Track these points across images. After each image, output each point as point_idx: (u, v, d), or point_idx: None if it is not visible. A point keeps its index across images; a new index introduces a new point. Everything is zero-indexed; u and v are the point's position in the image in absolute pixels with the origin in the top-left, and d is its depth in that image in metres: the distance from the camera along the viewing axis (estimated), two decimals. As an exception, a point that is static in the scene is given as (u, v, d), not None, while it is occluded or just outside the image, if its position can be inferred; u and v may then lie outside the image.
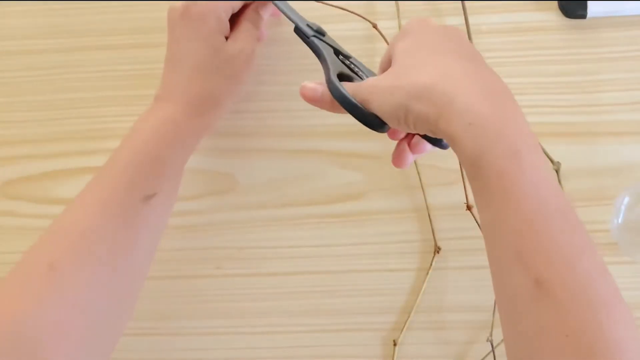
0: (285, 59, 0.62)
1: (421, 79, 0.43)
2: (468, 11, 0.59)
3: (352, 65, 0.54)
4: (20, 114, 0.65)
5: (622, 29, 0.60)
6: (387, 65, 0.49)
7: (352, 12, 0.61)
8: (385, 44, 0.61)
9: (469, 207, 0.61)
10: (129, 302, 0.52)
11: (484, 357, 0.63)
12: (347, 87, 0.49)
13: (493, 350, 0.62)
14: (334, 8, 0.61)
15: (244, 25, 0.56)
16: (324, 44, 0.54)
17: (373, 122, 0.48)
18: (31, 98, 0.65)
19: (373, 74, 0.53)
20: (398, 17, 0.60)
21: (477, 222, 0.60)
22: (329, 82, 0.50)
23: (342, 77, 0.51)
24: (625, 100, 0.60)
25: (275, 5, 0.56)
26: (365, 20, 0.61)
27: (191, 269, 0.65)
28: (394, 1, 0.60)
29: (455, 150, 0.43)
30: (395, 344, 0.64)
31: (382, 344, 0.65)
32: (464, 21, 0.59)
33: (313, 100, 0.51)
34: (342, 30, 0.61)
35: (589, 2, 0.59)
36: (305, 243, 0.64)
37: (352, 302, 0.64)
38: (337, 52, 0.54)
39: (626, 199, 0.59)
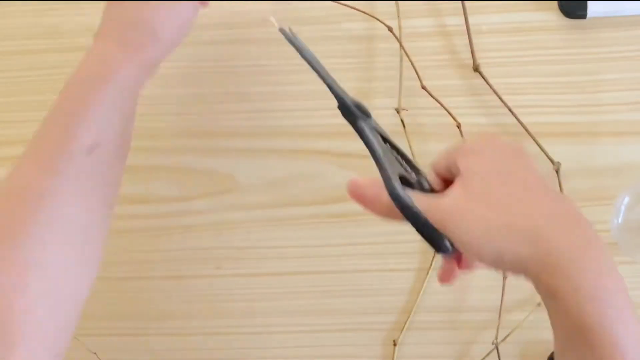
0: (284, 59, 0.62)
1: (519, 220, 0.41)
2: (468, 11, 0.59)
3: (403, 161, 0.47)
4: (20, 114, 0.65)
5: (622, 29, 0.60)
6: (445, 173, 0.45)
7: (369, 15, 0.61)
8: (395, 45, 0.61)
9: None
10: (91, 254, 0.50)
11: (484, 357, 0.63)
12: (417, 200, 0.43)
13: (498, 353, 0.62)
14: (333, 8, 0.61)
15: None
16: (372, 130, 0.47)
17: (442, 245, 0.43)
18: (31, 98, 0.65)
19: (423, 172, 0.47)
20: (398, 17, 0.60)
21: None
22: (391, 189, 0.43)
23: (401, 180, 0.44)
24: (625, 100, 0.60)
25: (310, 65, 0.48)
26: (365, 21, 0.61)
27: (191, 269, 0.65)
28: (394, 1, 0.60)
29: (547, 297, 0.41)
30: (395, 344, 0.64)
31: (382, 344, 0.65)
32: (464, 21, 0.59)
33: (364, 201, 0.46)
34: (342, 30, 0.61)
35: (589, 2, 0.59)
36: (305, 243, 0.64)
37: (352, 302, 0.64)
38: (384, 139, 0.47)
39: (626, 199, 0.59)
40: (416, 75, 0.60)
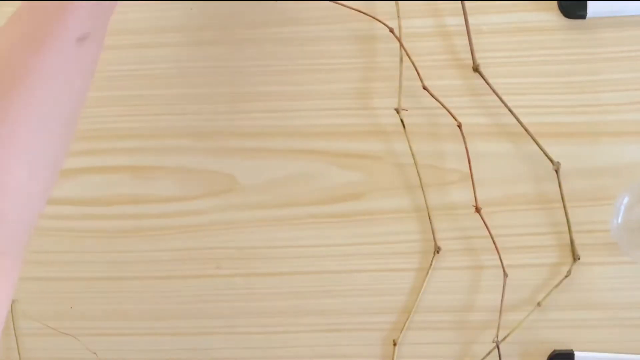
0: (285, 59, 0.62)
1: None
2: (468, 11, 0.59)
3: None
4: (20, 114, 0.65)
5: (622, 29, 0.60)
6: None
7: (369, 15, 0.61)
8: (395, 45, 0.61)
9: (477, 209, 0.61)
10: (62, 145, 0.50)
11: (485, 357, 0.63)
12: None
13: (499, 351, 0.62)
14: (333, 8, 0.61)
15: None
16: None
17: None
18: (31, 98, 0.65)
19: None
20: (398, 17, 0.60)
21: (485, 223, 0.61)
22: None
23: None
24: (625, 100, 0.60)
25: None
26: (365, 21, 0.61)
27: (191, 269, 0.65)
28: (394, 1, 0.60)
29: None
30: (395, 344, 0.64)
31: (382, 344, 0.65)
32: (464, 21, 0.59)
33: None
34: (342, 30, 0.61)
35: (588, 2, 0.59)
36: (305, 243, 0.64)
37: (352, 302, 0.64)
38: None
39: (626, 199, 0.59)
40: (416, 75, 0.60)
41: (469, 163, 0.60)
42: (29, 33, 0.46)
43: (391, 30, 0.60)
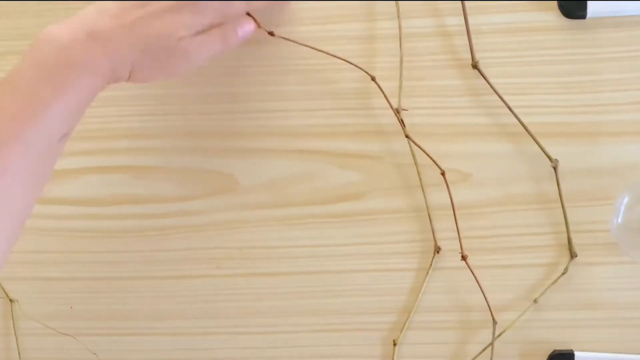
0: (285, 59, 0.62)
1: None
2: (468, 11, 0.59)
3: None
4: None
5: (622, 29, 0.60)
6: None
7: (349, 62, 0.61)
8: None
9: (464, 257, 0.61)
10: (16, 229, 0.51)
11: (479, 354, 0.63)
12: None
13: (492, 349, 0.62)
14: (333, 8, 0.61)
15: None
16: None
17: None
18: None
19: None
20: (398, 17, 0.60)
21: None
22: None
23: None
24: (625, 100, 0.60)
25: None
26: (365, 22, 0.61)
27: (191, 269, 0.65)
28: (394, 1, 0.60)
29: None
30: (395, 344, 0.64)
31: (382, 344, 0.65)
32: (463, 21, 0.59)
33: None
34: (341, 30, 0.61)
35: (588, 2, 0.59)
36: (305, 243, 0.64)
37: (352, 302, 0.64)
38: None
39: (626, 199, 0.59)
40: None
41: (454, 210, 0.61)
42: (11, 130, 0.47)
43: (373, 79, 0.60)
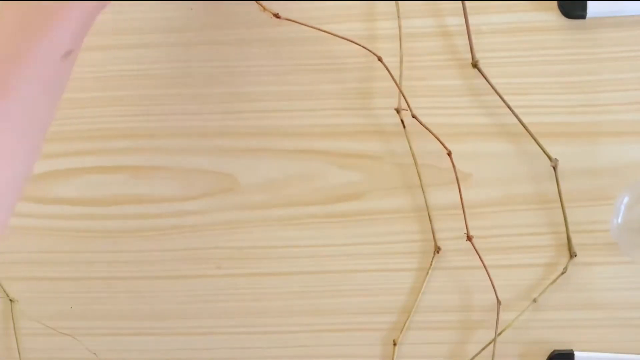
0: (285, 59, 0.62)
1: None
2: (468, 11, 0.59)
3: None
4: (20, 114, 0.65)
5: (622, 29, 0.60)
6: None
7: (357, 43, 0.61)
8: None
9: (469, 238, 0.61)
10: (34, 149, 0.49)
11: (478, 353, 0.63)
12: None
13: (494, 346, 0.62)
14: (333, 8, 0.61)
15: None
16: None
17: None
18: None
19: None
20: (398, 17, 0.60)
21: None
22: None
23: None
24: (625, 100, 0.60)
25: None
26: (365, 21, 0.61)
27: (191, 269, 0.65)
28: (394, 1, 0.60)
29: None
30: (395, 344, 0.64)
31: (382, 344, 0.65)
32: (464, 21, 0.59)
33: None
34: (341, 30, 0.61)
35: (588, 2, 0.59)
36: (306, 243, 0.64)
37: (352, 302, 0.64)
38: None
39: (626, 199, 0.59)
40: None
41: (460, 192, 0.61)
42: (15, 46, 0.45)
43: (380, 59, 0.60)
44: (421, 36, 0.61)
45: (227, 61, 0.63)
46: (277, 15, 0.57)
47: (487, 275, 0.61)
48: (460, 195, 0.61)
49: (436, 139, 0.60)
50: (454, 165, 0.60)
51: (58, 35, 0.46)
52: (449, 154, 0.60)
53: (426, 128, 0.60)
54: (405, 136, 0.61)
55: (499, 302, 0.62)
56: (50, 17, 0.46)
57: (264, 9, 0.56)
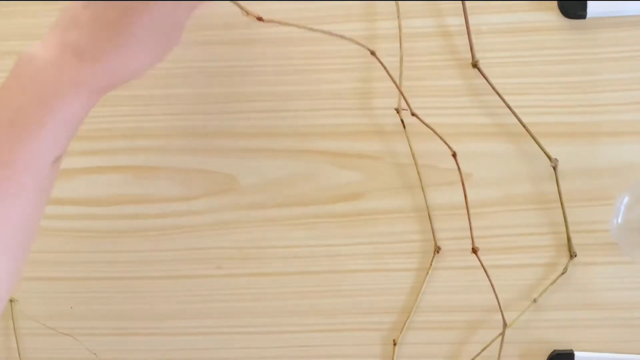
0: (285, 59, 0.62)
1: None
2: (468, 11, 0.59)
3: None
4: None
5: (622, 29, 0.60)
6: None
7: (346, 38, 0.61)
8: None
9: (474, 250, 0.61)
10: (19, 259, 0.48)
11: (477, 355, 0.63)
12: None
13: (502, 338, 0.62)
14: (333, 8, 0.61)
15: None
16: None
17: None
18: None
19: None
20: (398, 17, 0.60)
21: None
22: None
23: None
24: (625, 100, 0.60)
25: None
26: (365, 21, 0.61)
27: (191, 269, 0.65)
28: (394, 1, 0.60)
29: None
30: (395, 344, 0.64)
31: (382, 344, 0.65)
32: (464, 21, 0.59)
33: None
34: (342, 30, 0.61)
35: (589, 2, 0.59)
36: (305, 243, 0.64)
37: (352, 302, 0.64)
38: None
39: (626, 199, 0.59)
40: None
41: (465, 197, 0.61)
42: (5, 155, 0.45)
43: (372, 53, 0.60)
44: (421, 36, 0.61)
45: (227, 61, 0.63)
46: (260, 19, 0.56)
47: (487, 275, 0.62)
48: (466, 200, 0.61)
49: (440, 139, 0.60)
50: (459, 167, 0.60)
51: (48, 143, 0.45)
52: (454, 155, 0.60)
53: (429, 127, 0.60)
54: (405, 136, 0.61)
55: (505, 324, 0.62)
56: (40, 125, 0.45)
57: (247, 13, 0.55)
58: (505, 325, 0.61)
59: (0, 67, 0.65)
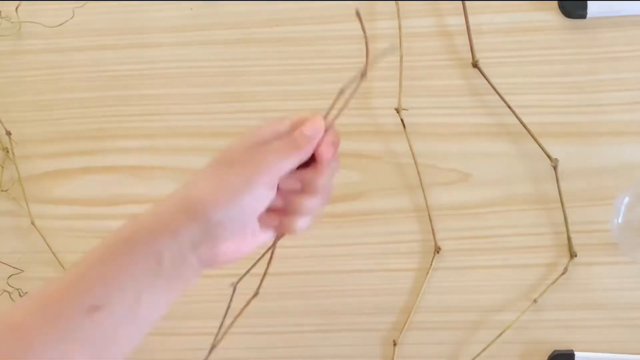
0: (285, 59, 0.62)
1: None
2: (468, 11, 0.59)
3: None
4: (20, 114, 0.65)
5: (622, 29, 0.60)
6: None
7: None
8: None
9: None
10: None
11: (480, 353, 0.63)
12: None
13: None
14: (333, 8, 0.61)
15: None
16: None
17: None
18: (31, 98, 0.65)
19: None
20: (398, 17, 0.60)
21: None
22: None
23: None
24: (625, 100, 0.60)
25: None
26: (365, 21, 0.61)
27: (191, 269, 0.65)
28: (394, 1, 0.60)
29: None
30: (395, 344, 0.64)
31: (382, 344, 0.65)
32: (464, 21, 0.59)
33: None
34: (342, 30, 0.61)
35: (589, 2, 0.59)
36: (305, 243, 0.64)
37: (352, 302, 0.64)
38: None
39: (626, 199, 0.59)
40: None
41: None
42: (44, 303, 0.44)
43: (357, 13, 0.59)
44: (421, 36, 0.61)
45: (227, 61, 0.63)
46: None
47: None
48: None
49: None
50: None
51: (81, 286, 0.45)
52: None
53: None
54: (405, 136, 0.61)
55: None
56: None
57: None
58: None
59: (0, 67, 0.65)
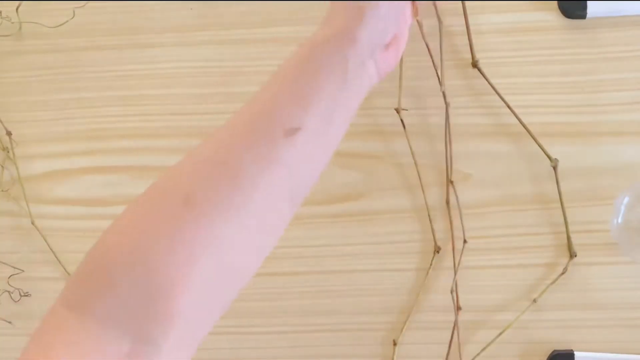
0: (284, 59, 0.62)
1: None
2: (468, 11, 0.59)
3: None
4: (20, 114, 0.65)
5: (622, 29, 0.60)
6: None
7: None
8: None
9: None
10: (256, 255, 0.48)
11: (479, 353, 0.63)
12: None
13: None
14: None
15: None
16: None
17: None
18: (31, 98, 0.65)
19: None
20: (398, 17, 0.60)
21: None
22: None
23: None
24: (625, 100, 0.60)
25: None
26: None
27: (191, 269, 0.65)
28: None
29: None
30: (395, 344, 0.64)
31: (382, 344, 0.65)
32: (464, 21, 0.59)
33: None
34: (342, 30, 0.61)
35: (588, 2, 0.59)
36: (306, 243, 0.64)
37: (352, 302, 0.64)
38: None
39: (626, 199, 0.59)
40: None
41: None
42: (242, 130, 0.45)
43: None
44: (421, 36, 0.61)
45: (226, 61, 0.63)
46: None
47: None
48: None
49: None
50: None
51: (277, 110, 0.45)
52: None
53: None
54: (405, 136, 0.61)
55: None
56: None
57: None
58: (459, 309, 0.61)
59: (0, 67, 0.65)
